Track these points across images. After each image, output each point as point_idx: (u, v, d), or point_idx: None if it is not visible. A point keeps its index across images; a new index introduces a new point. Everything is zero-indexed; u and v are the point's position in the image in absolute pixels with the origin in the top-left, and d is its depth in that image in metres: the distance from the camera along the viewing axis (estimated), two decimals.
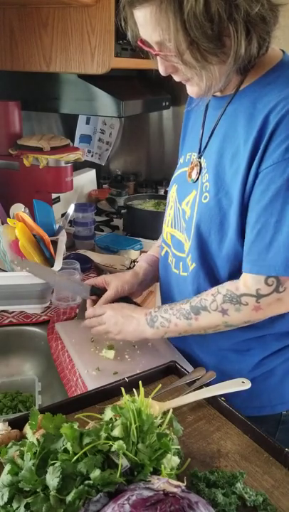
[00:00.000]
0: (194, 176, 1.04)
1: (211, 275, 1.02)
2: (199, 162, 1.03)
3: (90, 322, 1.14)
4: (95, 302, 1.18)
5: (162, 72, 0.93)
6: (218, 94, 1.00)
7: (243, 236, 0.94)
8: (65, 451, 0.68)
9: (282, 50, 0.96)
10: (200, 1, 0.77)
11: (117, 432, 0.70)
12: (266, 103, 0.88)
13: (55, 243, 1.43)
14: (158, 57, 0.90)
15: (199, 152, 1.05)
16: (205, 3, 0.78)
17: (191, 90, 0.95)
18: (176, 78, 0.94)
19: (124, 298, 1.19)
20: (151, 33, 0.86)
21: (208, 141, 1.02)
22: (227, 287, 0.96)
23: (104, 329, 1.11)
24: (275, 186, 0.86)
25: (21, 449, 0.71)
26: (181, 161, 1.14)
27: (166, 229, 1.15)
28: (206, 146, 1.03)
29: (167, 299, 1.17)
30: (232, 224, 0.94)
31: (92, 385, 1.00)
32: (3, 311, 1.36)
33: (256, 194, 0.90)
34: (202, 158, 1.03)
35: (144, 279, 1.24)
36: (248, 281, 0.93)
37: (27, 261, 1.25)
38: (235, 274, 0.98)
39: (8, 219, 1.36)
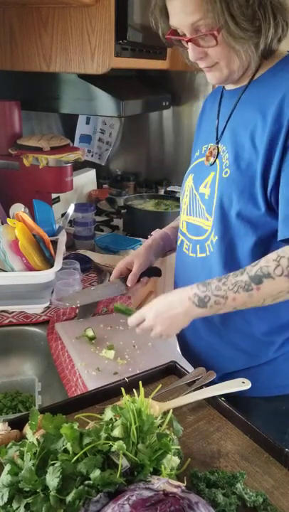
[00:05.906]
0: (212, 160, 1.09)
1: (233, 246, 1.05)
2: (217, 147, 1.09)
3: (132, 320, 1.08)
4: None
5: (192, 57, 0.99)
6: (231, 86, 1.09)
7: (267, 204, 0.99)
8: (65, 451, 0.68)
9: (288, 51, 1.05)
10: None
11: (117, 432, 0.70)
12: (280, 83, 0.97)
13: (55, 243, 1.43)
14: (189, 44, 0.97)
15: (216, 139, 1.10)
16: None
17: (213, 76, 1.02)
18: (203, 64, 1.01)
19: (148, 268, 1.29)
20: (190, 14, 0.92)
21: (225, 127, 1.08)
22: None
23: (149, 325, 1.04)
24: None
25: (21, 449, 0.71)
26: (197, 153, 1.19)
27: (182, 217, 1.20)
28: (222, 133, 1.09)
29: (183, 284, 1.19)
30: (255, 193, 0.99)
31: (92, 385, 1.00)
32: (3, 311, 1.36)
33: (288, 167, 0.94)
34: (219, 144, 1.09)
35: (156, 249, 1.32)
36: None
37: (71, 296, 1.29)
38: (258, 244, 1.02)
39: (8, 219, 1.36)
